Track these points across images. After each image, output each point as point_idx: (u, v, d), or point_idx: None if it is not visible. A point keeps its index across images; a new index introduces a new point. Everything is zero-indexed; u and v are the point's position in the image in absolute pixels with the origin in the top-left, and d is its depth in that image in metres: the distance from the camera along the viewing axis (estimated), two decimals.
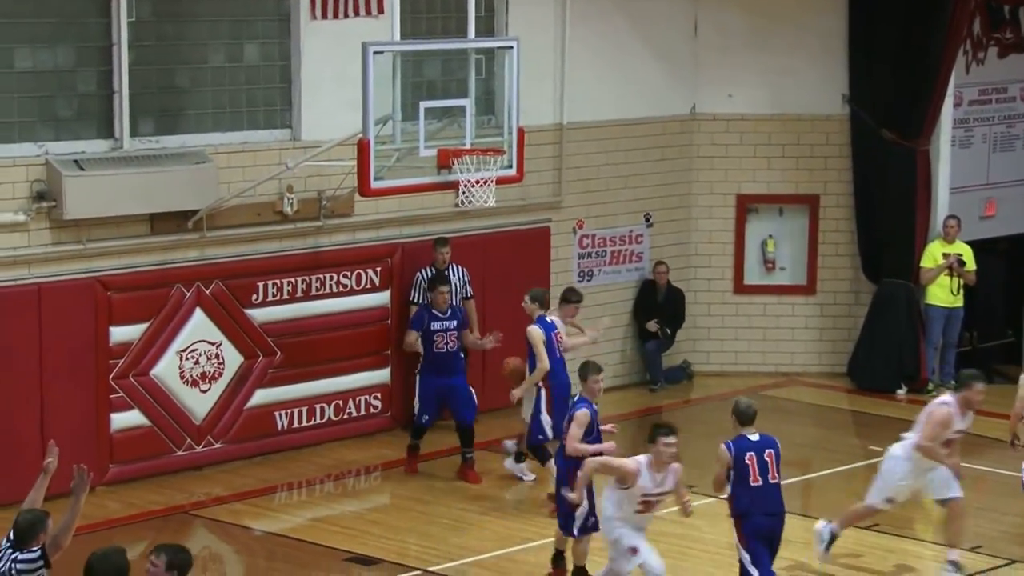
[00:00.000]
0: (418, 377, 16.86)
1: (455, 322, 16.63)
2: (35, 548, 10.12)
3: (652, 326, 19.46)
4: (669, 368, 20.21)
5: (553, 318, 16.09)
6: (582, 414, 13.68)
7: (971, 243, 20.04)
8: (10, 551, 10.15)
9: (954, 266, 19.56)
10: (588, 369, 14.09)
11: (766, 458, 13.19)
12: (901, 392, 19.88)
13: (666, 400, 19.85)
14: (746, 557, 13.19)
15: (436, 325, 16.54)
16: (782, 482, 13.27)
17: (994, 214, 21.50)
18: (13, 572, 9.98)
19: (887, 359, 19.94)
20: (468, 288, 18.11)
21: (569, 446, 13.54)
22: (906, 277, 19.94)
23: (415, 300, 17.81)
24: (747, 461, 13.12)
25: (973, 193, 21.10)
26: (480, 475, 16.49)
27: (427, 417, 16.67)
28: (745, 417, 13.28)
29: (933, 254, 19.67)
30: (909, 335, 19.89)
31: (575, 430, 13.58)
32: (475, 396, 16.88)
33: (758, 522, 13.19)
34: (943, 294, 19.76)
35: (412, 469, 16.77)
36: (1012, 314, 22.28)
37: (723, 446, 13.33)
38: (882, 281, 20.13)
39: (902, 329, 19.91)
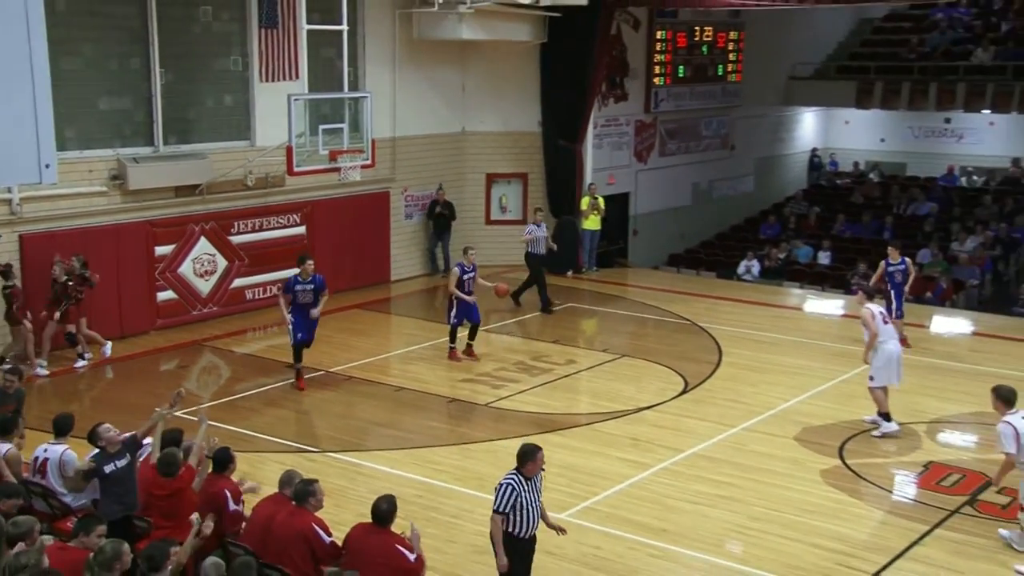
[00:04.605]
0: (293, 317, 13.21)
1: (312, 285, 13.07)
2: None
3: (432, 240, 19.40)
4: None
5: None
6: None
7: (604, 196, 20.39)
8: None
9: (596, 208, 19.96)
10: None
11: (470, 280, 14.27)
12: (569, 273, 20.01)
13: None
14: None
15: (298, 288, 12.98)
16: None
17: (614, 182, 21.91)
18: None
19: (563, 256, 19.92)
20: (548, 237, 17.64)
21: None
22: (571, 214, 20.14)
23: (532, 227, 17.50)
24: (465, 278, 14.21)
25: (603, 171, 21.43)
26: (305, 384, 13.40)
27: (300, 335, 13.21)
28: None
29: (584, 202, 19.94)
30: (573, 244, 20.09)
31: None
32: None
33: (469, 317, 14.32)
34: (591, 223, 20.05)
35: (301, 387, 13.32)
36: (622, 232, 22.52)
37: (455, 268, 14.39)
38: (560, 216, 20.28)
39: (570, 241, 20.04)
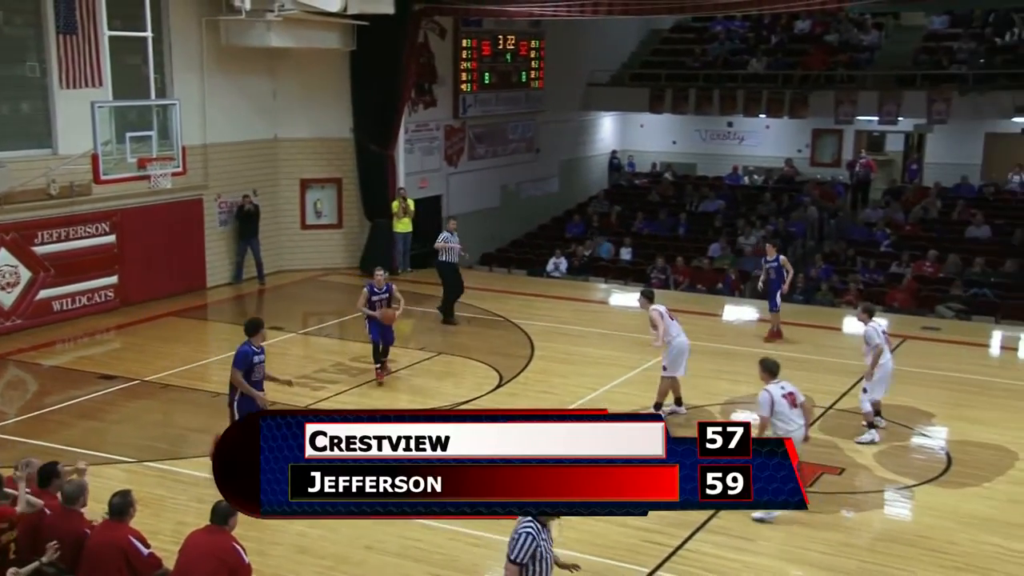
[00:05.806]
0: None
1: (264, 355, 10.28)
2: None
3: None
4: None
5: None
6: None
7: (418, 199, 20.34)
8: None
9: (406, 210, 19.75)
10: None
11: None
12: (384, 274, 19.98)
13: (266, 287, 19.24)
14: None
15: (256, 360, 10.05)
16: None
17: (426, 186, 21.90)
18: None
19: (377, 258, 19.24)
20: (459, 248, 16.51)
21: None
22: (384, 217, 19.94)
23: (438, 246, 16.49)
24: (375, 299, 13.40)
25: (416, 175, 21.39)
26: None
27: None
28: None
29: (394, 205, 19.70)
30: (387, 246, 19.89)
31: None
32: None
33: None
34: (402, 226, 19.89)
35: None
36: (436, 233, 22.08)
37: (365, 288, 13.43)
38: (374, 220, 20.16)
39: (383, 243, 19.92)
